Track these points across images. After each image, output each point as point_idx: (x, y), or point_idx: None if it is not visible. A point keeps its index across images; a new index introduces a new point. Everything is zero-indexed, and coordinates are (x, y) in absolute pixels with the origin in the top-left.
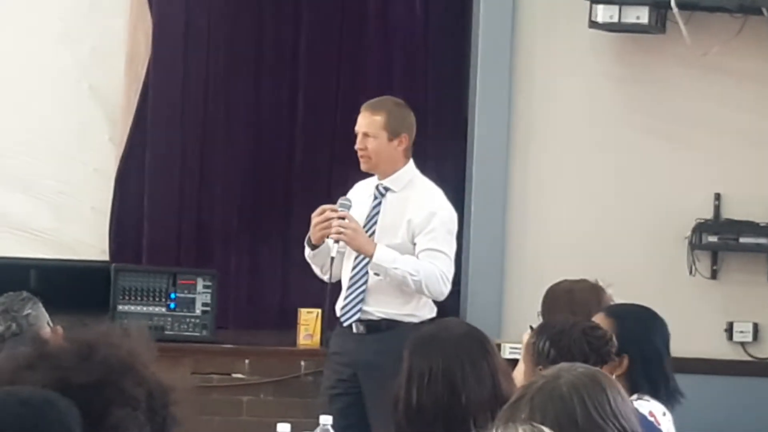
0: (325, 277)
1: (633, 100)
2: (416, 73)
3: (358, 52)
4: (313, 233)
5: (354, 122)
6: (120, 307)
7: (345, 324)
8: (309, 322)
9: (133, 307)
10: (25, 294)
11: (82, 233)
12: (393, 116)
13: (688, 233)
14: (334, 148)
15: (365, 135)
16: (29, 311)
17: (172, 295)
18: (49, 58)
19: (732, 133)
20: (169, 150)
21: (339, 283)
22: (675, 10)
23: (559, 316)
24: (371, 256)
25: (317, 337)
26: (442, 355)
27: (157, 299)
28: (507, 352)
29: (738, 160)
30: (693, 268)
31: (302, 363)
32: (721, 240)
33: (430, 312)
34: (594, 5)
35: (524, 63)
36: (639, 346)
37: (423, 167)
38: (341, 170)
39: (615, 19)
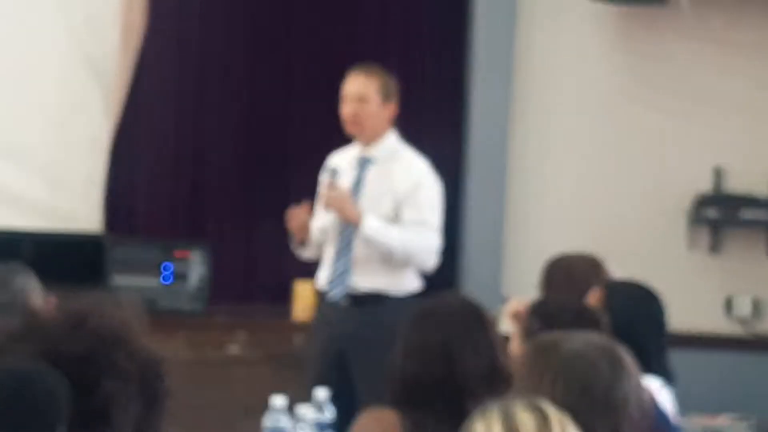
0: (307, 252)
1: (634, 72)
2: (413, 38)
3: (353, 16)
4: (293, 234)
5: None
6: (113, 279)
7: (333, 299)
8: (304, 294)
9: (126, 279)
10: (15, 264)
11: (75, 204)
12: (385, 81)
13: (688, 207)
14: (330, 119)
15: (360, 99)
16: (20, 282)
17: (166, 267)
18: (43, 27)
19: (733, 107)
20: (163, 121)
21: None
22: None
23: (557, 291)
24: (359, 226)
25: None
26: (439, 328)
27: (151, 271)
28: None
29: (739, 134)
30: (692, 242)
31: (297, 336)
32: (720, 214)
33: (415, 284)
34: None
35: (525, 34)
36: (628, 322)
37: (419, 136)
38: (338, 141)
39: None
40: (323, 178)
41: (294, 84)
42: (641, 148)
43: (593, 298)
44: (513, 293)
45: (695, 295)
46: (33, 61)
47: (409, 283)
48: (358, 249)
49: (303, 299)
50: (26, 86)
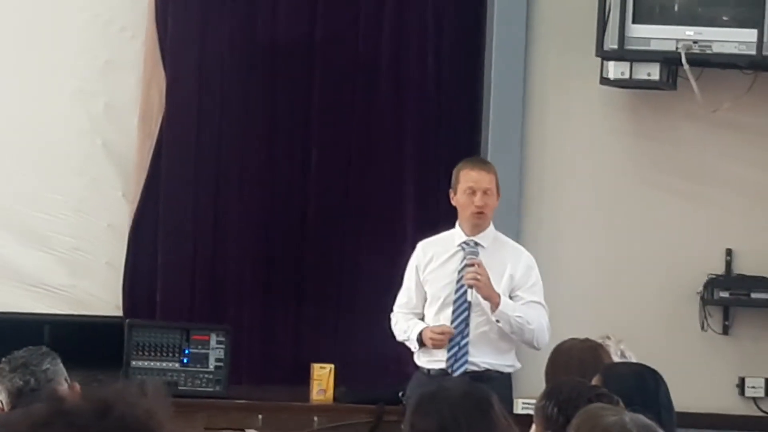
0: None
1: (644, 155)
2: (428, 128)
3: (371, 109)
4: (429, 343)
5: (368, 176)
6: (133, 363)
7: (456, 374)
8: (322, 377)
9: (146, 363)
10: (44, 349)
11: (95, 289)
12: (496, 175)
13: (700, 288)
14: (347, 205)
15: (486, 192)
16: (48, 366)
17: (186, 351)
18: (63, 114)
19: (743, 189)
20: (182, 206)
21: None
22: (686, 66)
23: (562, 377)
24: (497, 305)
25: (330, 393)
26: (439, 416)
27: (170, 354)
28: (519, 408)
29: (749, 216)
30: (705, 323)
31: (315, 418)
32: (732, 295)
33: (517, 362)
34: (605, 62)
35: (536, 119)
36: (627, 403)
37: (437, 222)
38: (354, 226)
39: (626, 76)
40: (419, 260)
41: (312, 170)
42: (652, 230)
43: (595, 382)
44: (526, 376)
45: (708, 376)
46: (54, 147)
47: (515, 361)
48: (474, 327)
49: (320, 381)
50: (47, 172)
